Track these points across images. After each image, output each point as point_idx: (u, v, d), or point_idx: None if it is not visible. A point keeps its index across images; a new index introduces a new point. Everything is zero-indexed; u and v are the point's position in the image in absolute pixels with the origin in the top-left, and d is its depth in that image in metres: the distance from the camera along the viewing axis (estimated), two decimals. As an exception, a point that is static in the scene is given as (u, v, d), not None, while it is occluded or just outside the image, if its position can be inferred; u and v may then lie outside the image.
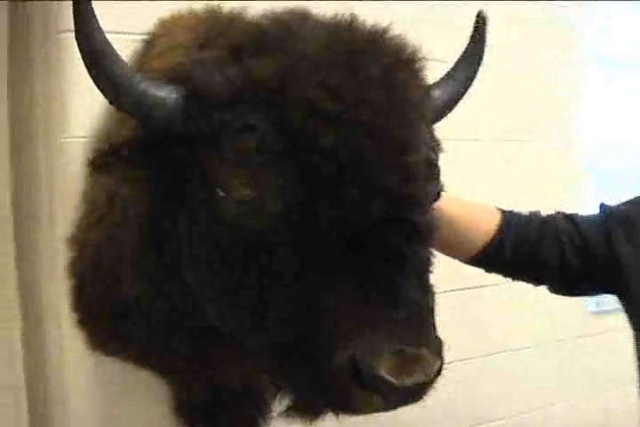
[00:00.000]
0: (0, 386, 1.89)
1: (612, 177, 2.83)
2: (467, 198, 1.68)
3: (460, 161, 2.26)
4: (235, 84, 1.19)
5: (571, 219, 1.65)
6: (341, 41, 1.23)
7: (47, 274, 1.83)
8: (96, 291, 1.61)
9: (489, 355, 2.53)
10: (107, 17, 1.70)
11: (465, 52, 1.49)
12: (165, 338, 1.53)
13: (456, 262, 1.71)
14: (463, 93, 1.50)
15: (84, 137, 1.69)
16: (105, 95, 1.22)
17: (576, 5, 2.68)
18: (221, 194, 1.20)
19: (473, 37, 1.48)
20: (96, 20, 1.18)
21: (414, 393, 1.14)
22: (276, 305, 1.19)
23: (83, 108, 1.70)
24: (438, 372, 1.16)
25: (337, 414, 1.22)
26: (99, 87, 1.21)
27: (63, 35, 1.69)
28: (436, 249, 1.65)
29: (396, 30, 1.29)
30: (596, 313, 2.76)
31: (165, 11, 1.71)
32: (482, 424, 2.55)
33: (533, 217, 1.67)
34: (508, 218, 1.66)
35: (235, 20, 1.46)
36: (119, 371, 1.79)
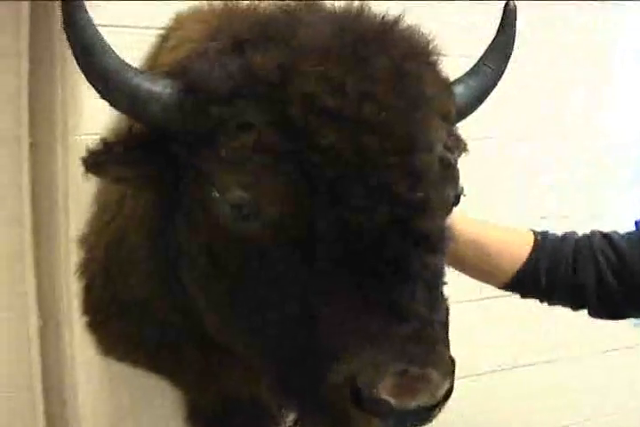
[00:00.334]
0: (17, 388, 1.89)
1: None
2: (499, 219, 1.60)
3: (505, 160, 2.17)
4: (234, 78, 1.11)
5: (607, 237, 1.55)
6: (349, 31, 1.13)
7: (64, 275, 1.80)
8: (105, 293, 1.57)
9: (529, 365, 2.46)
10: (126, 12, 1.72)
11: (492, 45, 1.38)
12: (174, 344, 1.47)
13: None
14: (491, 89, 1.39)
15: (97, 135, 1.65)
16: (96, 90, 1.16)
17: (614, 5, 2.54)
18: (216, 195, 1.13)
19: (500, 29, 1.37)
20: (86, 14, 1.12)
21: (418, 417, 1.04)
22: (271, 316, 1.11)
23: (98, 106, 1.65)
24: (447, 394, 1.06)
25: None
26: (89, 81, 1.15)
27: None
28: (469, 275, 1.57)
29: (409, 21, 1.19)
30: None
31: (185, 5, 1.66)
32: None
33: (568, 237, 1.57)
34: (542, 240, 1.56)
35: (247, 12, 1.40)
36: (134, 375, 1.75)
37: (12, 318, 1.85)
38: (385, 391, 0.99)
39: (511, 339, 2.37)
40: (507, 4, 1.37)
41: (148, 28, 1.71)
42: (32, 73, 1.84)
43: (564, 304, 1.61)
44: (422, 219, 1.08)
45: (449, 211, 1.22)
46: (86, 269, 1.64)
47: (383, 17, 1.19)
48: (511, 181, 2.31)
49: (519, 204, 2.17)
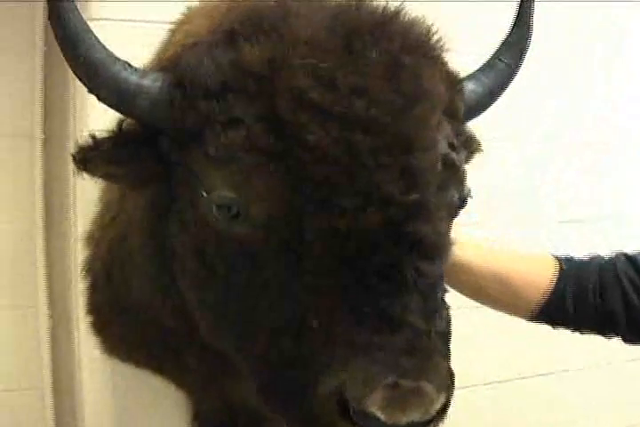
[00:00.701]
0: (27, 385, 1.89)
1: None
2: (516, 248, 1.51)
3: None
4: (223, 72, 1.06)
5: (631, 259, 1.43)
6: (344, 23, 1.06)
7: (74, 275, 1.79)
8: (108, 294, 1.54)
9: (537, 376, 2.41)
10: (136, 6, 1.70)
11: (506, 39, 1.29)
12: (175, 348, 1.43)
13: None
14: (506, 85, 1.30)
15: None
16: (83, 84, 1.12)
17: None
18: (204, 195, 1.08)
19: (516, 22, 1.29)
20: (74, 7, 1.07)
21: None
22: (259, 320, 1.05)
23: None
24: (443, 408, 0.99)
25: None
26: (76, 75, 1.11)
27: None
28: (493, 309, 1.49)
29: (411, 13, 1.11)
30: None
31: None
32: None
33: (592, 262, 1.46)
34: (565, 266, 1.45)
35: (251, 6, 1.34)
36: (143, 374, 1.73)
37: (23, 316, 1.85)
38: (374, 405, 0.93)
39: (513, 351, 2.30)
40: None
41: (163, 22, 1.68)
42: (46, 70, 1.84)
43: (596, 332, 1.49)
44: (417, 222, 1.01)
45: (453, 214, 1.14)
46: (91, 267, 1.61)
47: (384, 9, 1.12)
48: (529, 183, 2.22)
49: (537, 208, 2.06)
